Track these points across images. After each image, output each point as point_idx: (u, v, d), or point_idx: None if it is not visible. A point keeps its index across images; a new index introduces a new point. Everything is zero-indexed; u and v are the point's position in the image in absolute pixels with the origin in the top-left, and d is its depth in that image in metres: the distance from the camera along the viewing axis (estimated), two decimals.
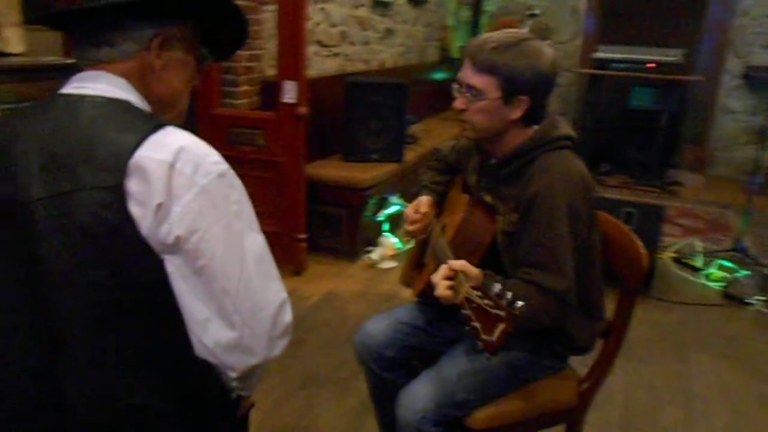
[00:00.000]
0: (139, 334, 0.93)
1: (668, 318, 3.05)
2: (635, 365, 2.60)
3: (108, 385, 0.93)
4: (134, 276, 0.90)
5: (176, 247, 0.89)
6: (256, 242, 0.96)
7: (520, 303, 1.04)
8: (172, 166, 0.88)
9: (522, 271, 1.37)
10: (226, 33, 1.12)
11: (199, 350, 0.94)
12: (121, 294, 0.90)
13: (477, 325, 1.09)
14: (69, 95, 0.96)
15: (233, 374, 0.98)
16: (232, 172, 0.96)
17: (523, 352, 1.49)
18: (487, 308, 1.07)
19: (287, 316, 0.98)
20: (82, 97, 0.95)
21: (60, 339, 0.91)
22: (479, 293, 1.10)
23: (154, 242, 0.88)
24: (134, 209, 0.87)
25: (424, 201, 1.66)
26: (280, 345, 0.98)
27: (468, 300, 1.12)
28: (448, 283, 1.22)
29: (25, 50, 1.86)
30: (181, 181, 0.88)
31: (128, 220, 0.87)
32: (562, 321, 1.39)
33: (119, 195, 0.86)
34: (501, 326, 1.05)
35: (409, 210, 1.65)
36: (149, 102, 1.01)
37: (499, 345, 1.06)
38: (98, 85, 0.96)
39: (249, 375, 1.01)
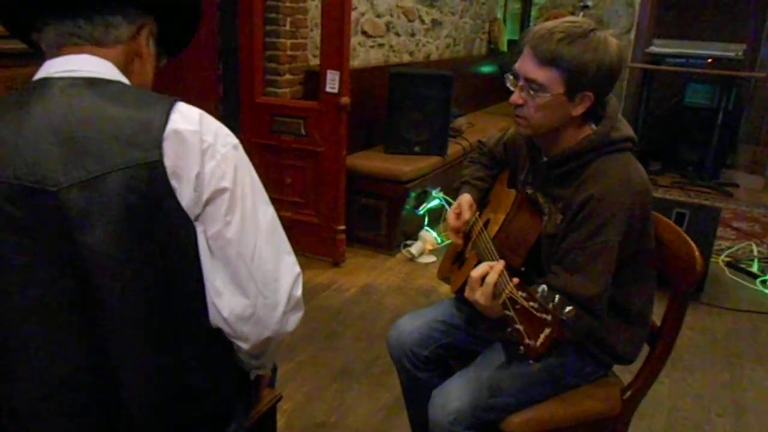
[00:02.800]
0: (187, 311, 0.95)
1: (720, 325, 2.91)
2: (683, 373, 2.48)
3: (165, 367, 0.94)
4: (181, 250, 0.92)
5: (203, 210, 0.92)
6: (267, 214, 0.99)
7: (569, 307, 0.97)
8: (200, 134, 0.91)
9: (551, 271, 1.30)
10: (177, 33, 1.11)
11: (215, 319, 0.97)
12: (170, 271, 0.91)
13: (520, 327, 1.01)
14: (65, 78, 0.91)
15: (245, 346, 1.00)
16: (241, 146, 0.99)
17: (565, 357, 1.41)
18: (533, 311, 1.00)
19: (299, 291, 1.02)
20: (84, 80, 0.91)
21: (111, 327, 0.89)
22: (524, 294, 1.02)
23: (191, 212, 0.91)
24: (174, 182, 0.88)
25: (465, 205, 1.56)
26: (293, 320, 1.01)
27: (511, 300, 1.04)
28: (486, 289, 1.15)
29: None
30: (207, 149, 0.91)
31: (169, 193, 0.88)
32: (589, 332, 1.30)
33: (158, 170, 0.87)
34: (547, 331, 0.97)
35: (451, 216, 1.56)
36: None
37: (543, 351, 0.98)
38: (92, 68, 0.93)
39: (262, 350, 1.04)
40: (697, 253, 1.39)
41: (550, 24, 1.28)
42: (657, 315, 1.48)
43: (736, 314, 3.02)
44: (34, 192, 0.84)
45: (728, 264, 3.56)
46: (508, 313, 1.04)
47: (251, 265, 0.95)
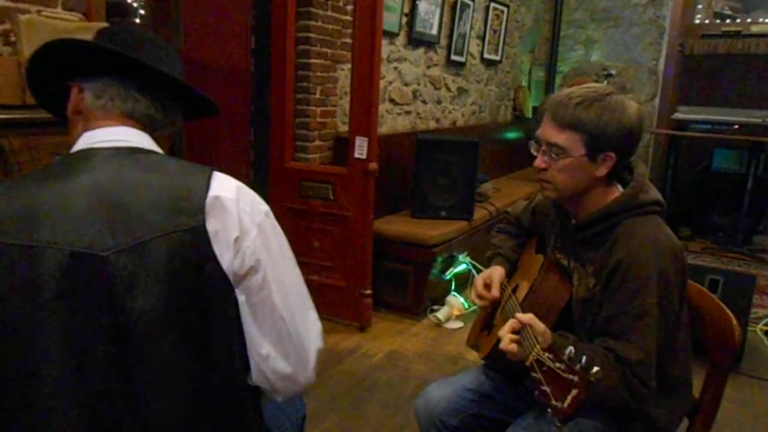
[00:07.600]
0: (223, 376, 0.97)
1: (762, 397, 2.79)
2: None
3: (194, 425, 0.95)
4: (221, 315, 0.94)
5: (245, 279, 0.95)
6: (294, 273, 1.05)
7: (595, 368, 0.96)
8: (237, 203, 0.95)
9: (599, 340, 1.28)
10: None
11: (258, 380, 1.02)
12: (209, 335, 0.93)
13: (547, 389, 1.00)
14: (108, 149, 0.96)
15: (279, 399, 1.06)
16: (271, 211, 1.04)
17: (600, 431, 1.36)
18: (559, 372, 0.99)
19: (322, 343, 1.08)
20: (126, 150, 0.96)
21: (151, 391, 0.89)
22: (551, 356, 1.02)
23: (231, 276, 0.94)
24: (215, 246, 0.91)
25: (496, 280, 1.56)
26: (316, 370, 1.07)
27: (538, 362, 1.04)
28: (513, 336, 1.16)
29: None
30: (245, 218, 0.95)
31: (212, 258, 0.91)
32: (640, 398, 1.25)
33: (201, 235, 0.90)
34: (574, 392, 0.97)
35: (479, 283, 1.57)
36: None
37: (571, 413, 0.97)
38: (131, 138, 1.00)
39: (292, 396, 1.11)
40: (734, 322, 1.35)
41: (567, 90, 1.33)
42: (695, 387, 1.42)
43: None
44: (83, 257, 0.86)
45: (767, 333, 3.44)
46: (535, 375, 1.04)
47: (289, 326, 1.00)
